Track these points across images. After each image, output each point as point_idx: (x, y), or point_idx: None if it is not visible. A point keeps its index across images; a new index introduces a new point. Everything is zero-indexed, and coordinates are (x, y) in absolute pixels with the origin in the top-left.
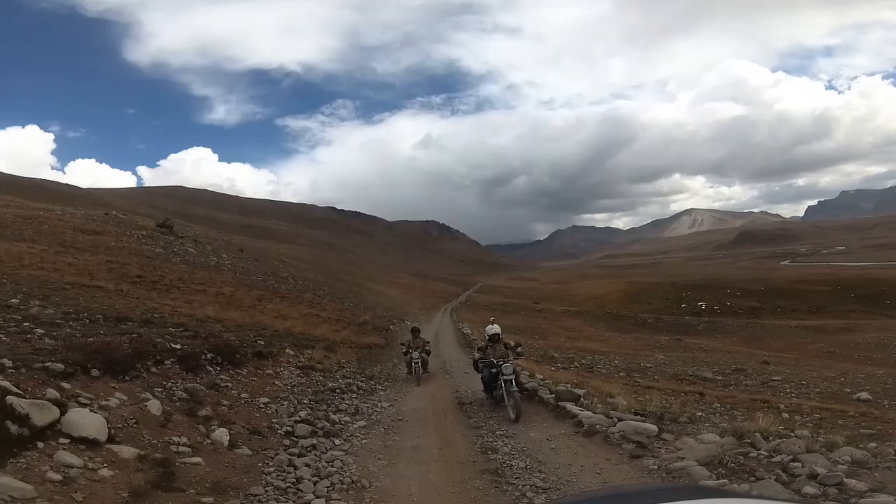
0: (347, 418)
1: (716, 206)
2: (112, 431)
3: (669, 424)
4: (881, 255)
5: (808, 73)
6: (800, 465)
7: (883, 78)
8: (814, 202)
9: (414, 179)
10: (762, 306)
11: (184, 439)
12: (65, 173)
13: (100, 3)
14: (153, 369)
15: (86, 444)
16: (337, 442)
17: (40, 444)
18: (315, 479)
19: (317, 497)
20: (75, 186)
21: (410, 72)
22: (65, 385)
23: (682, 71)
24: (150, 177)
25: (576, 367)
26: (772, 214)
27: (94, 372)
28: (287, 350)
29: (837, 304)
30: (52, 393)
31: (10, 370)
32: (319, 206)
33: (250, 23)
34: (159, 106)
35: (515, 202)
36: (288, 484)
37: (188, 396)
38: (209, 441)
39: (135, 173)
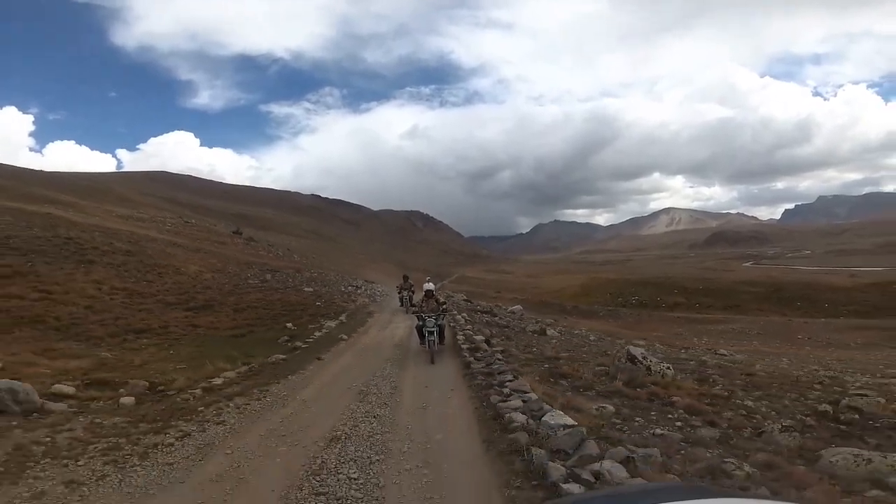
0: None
1: (694, 205)
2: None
3: None
4: (840, 260)
5: (797, 78)
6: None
7: (868, 87)
8: (791, 206)
9: (399, 169)
10: (685, 301)
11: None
12: (43, 155)
13: None
14: None
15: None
16: None
17: None
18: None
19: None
20: (75, 172)
21: (401, 62)
22: None
23: (672, 71)
24: (130, 160)
25: None
26: (748, 216)
27: None
28: None
29: (753, 304)
30: None
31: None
32: (303, 193)
33: (241, 8)
34: (143, 89)
35: (500, 195)
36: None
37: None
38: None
39: (114, 156)
